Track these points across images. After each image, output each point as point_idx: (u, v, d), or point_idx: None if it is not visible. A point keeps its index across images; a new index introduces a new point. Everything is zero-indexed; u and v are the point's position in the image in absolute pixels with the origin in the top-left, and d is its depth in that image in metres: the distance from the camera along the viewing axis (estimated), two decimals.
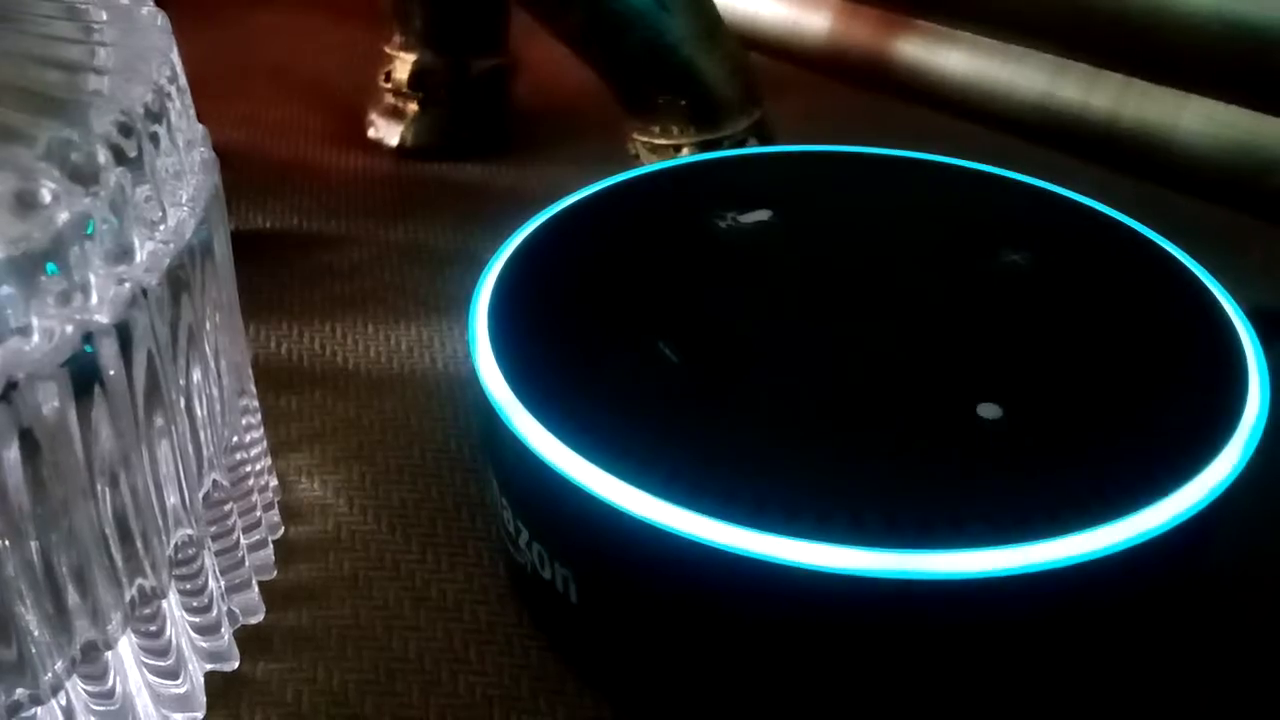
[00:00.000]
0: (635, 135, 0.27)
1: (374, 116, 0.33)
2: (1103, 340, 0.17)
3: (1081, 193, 0.21)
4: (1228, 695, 0.17)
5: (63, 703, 0.14)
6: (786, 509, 0.14)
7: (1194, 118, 0.31)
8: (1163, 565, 0.15)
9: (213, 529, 0.16)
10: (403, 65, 0.32)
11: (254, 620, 0.18)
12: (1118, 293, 0.18)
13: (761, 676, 0.15)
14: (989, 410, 0.15)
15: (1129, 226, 0.20)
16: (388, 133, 0.33)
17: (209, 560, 0.16)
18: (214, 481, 0.16)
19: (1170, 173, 0.31)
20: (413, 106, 0.32)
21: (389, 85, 0.33)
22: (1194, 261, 0.19)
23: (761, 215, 0.20)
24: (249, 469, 0.18)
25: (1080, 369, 0.16)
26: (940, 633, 0.14)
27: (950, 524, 0.14)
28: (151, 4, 0.16)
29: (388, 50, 0.32)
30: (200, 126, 0.16)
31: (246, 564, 0.18)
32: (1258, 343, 0.17)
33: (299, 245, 0.28)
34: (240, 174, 0.31)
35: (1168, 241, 0.20)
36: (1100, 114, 0.32)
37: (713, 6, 0.27)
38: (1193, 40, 0.30)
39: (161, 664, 0.15)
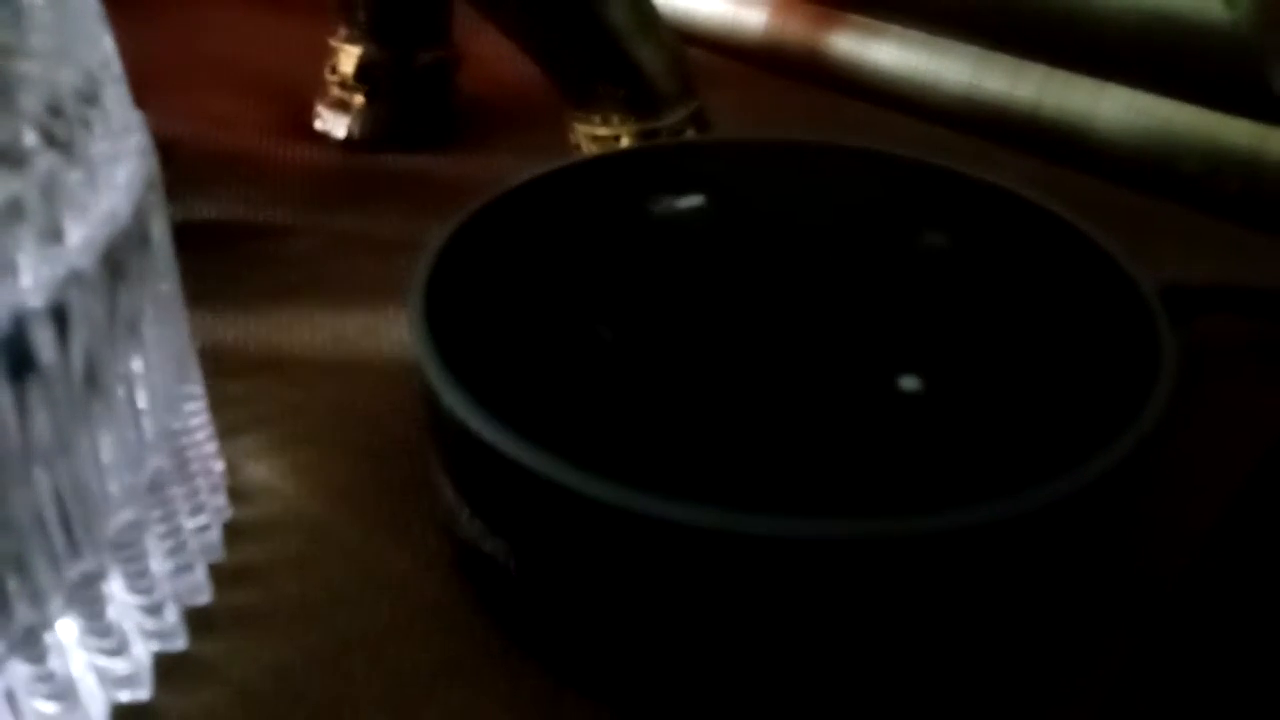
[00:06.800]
0: (577, 126, 0.28)
1: (320, 109, 0.33)
2: (1022, 319, 0.18)
3: (1005, 178, 0.22)
4: (1137, 661, 0.18)
5: (4, 685, 0.14)
6: (718, 481, 0.14)
7: (1113, 106, 0.32)
8: (1072, 535, 0.15)
9: (156, 512, 0.17)
10: (348, 58, 0.32)
11: (200, 601, 0.18)
12: (1038, 273, 0.19)
13: (698, 645, 0.15)
14: (910, 384, 0.16)
15: (1049, 209, 0.21)
16: (334, 125, 0.33)
17: (152, 543, 0.16)
18: (156, 466, 0.16)
19: (1090, 158, 0.32)
20: (358, 99, 0.33)
21: (335, 78, 0.33)
22: (1111, 242, 0.20)
23: (697, 201, 0.21)
24: (193, 453, 0.18)
25: (1000, 346, 0.17)
26: (867, 597, 0.15)
27: (876, 492, 0.14)
28: None
29: (333, 43, 0.33)
30: (136, 112, 0.16)
31: (192, 546, 0.18)
32: (1169, 320, 0.18)
33: (246, 235, 0.28)
34: (187, 166, 0.31)
35: (1086, 223, 0.20)
36: (1024, 103, 0.33)
37: (648, 1, 0.28)
38: (1111, 31, 0.31)
39: (105, 644, 0.16)
